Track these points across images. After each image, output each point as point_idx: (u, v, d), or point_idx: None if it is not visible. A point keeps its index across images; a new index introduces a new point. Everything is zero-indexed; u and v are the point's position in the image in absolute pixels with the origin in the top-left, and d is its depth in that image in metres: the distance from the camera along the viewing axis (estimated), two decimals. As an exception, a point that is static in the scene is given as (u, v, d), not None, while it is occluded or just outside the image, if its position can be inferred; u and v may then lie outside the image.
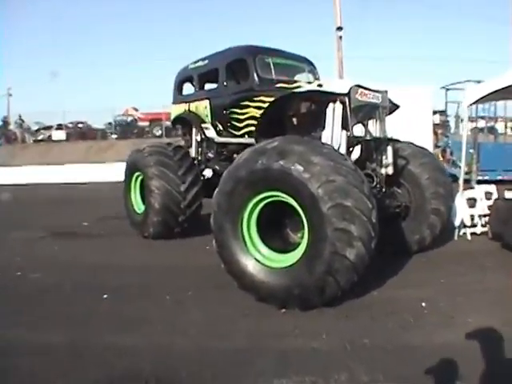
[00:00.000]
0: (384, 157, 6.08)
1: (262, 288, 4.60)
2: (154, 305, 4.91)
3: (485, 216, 7.87)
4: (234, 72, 7.49)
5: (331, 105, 5.58)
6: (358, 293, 4.79)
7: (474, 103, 7.55)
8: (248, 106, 6.70)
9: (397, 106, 6.56)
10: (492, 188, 8.22)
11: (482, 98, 7.04)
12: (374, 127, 6.10)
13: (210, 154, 8.38)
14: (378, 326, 4.28)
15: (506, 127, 19.42)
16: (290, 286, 4.40)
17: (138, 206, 8.49)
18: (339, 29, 18.80)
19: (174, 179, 7.59)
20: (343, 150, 5.47)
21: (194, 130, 8.51)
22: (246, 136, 6.89)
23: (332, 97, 5.54)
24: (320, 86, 5.68)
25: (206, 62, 7.93)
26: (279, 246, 4.87)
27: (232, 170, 4.70)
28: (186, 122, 8.79)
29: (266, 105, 6.30)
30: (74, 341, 4.05)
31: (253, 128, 6.68)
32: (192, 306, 4.86)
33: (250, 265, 4.69)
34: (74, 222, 10.04)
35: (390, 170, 6.08)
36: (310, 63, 7.79)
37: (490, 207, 7.82)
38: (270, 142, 4.55)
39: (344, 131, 5.52)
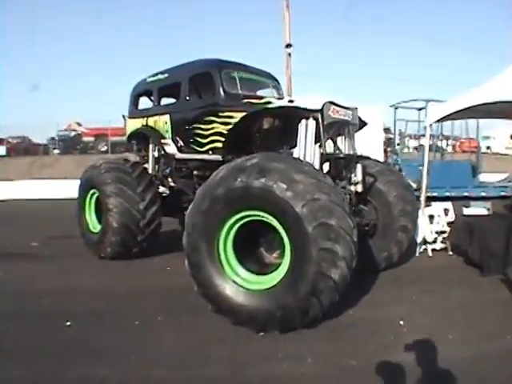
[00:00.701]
0: (353, 174, 6.06)
1: (240, 312, 4.38)
2: (122, 332, 4.55)
3: (442, 232, 8.05)
4: (197, 86, 7.26)
5: (304, 121, 5.49)
6: (334, 313, 4.65)
7: (437, 121, 7.76)
8: (213, 122, 6.47)
9: (364, 123, 6.58)
10: (449, 205, 8.43)
11: (445, 116, 7.22)
12: (342, 144, 6.06)
13: (168, 171, 8.07)
14: (361, 347, 4.18)
15: (447, 145, 20.30)
16: (271, 309, 4.22)
17: (94, 225, 8.00)
18: (288, 46, 18.84)
19: (132, 197, 7.20)
20: (317, 167, 5.38)
21: (150, 145, 8.19)
22: (210, 152, 6.64)
23: (305, 113, 5.44)
24: (291, 101, 5.59)
25: (167, 75, 7.63)
26: (256, 267, 4.67)
27: (208, 188, 4.46)
28: (142, 138, 8.43)
29: (233, 120, 6.11)
30: (38, 375, 3.66)
31: (218, 144, 6.45)
32: (164, 332, 4.54)
33: (227, 287, 4.46)
34: (22, 242, 9.29)
35: (360, 188, 6.06)
36: (274, 79, 7.69)
37: (449, 224, 8.02)
38: (248, 159, 4.37)
39: (317, 148, 5.43)
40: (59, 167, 19.39)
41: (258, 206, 4.26)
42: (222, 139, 6.33)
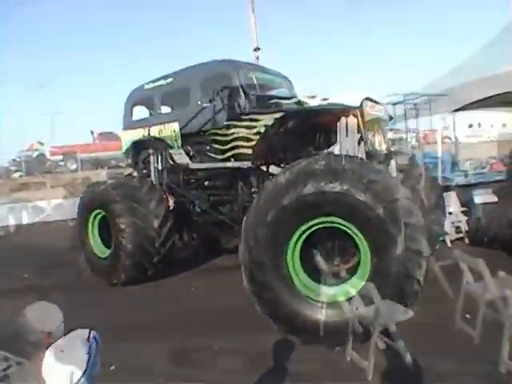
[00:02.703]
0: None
1: (317, 328, 4.02)
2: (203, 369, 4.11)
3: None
4: (211, 90, 6.80)
5: (343, 119, 5.19)
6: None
7: (456, 110, 7.70)
8: (234, 126, 6.04)
9: (391, 118, 6.39)
10: (453, 195, 8.40)
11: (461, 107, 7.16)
12: (374, 140, 5.81)
13: (173, 183, 7.53)
14: (456, 347, 3.97)
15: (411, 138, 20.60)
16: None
17: (100, 249, 7.33)
18: (257, 49, 18.62)
19: (146, 214, 6.66)
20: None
21: (152, 157, 7.65)
22: (233, 160, 6.21)
23: (345, 111, 5.15)
24: (325, 99, 5.29)
25: (171, 80, 7.10)
26: (324, 279, 4.34)
27: (271, 195, 4.09)
28: (139, 150, 7.90)
29: (259, 123, 5.72)
30: None
31: (242, 150, 6.00)
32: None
33: (300, 304, 4.10)
34: (11, 274, 8.22)
35: (395, 184, 5.85)
36: (287, 79, 7.37)
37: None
38: (313, 161, 4.05)
39: (362, 145, 5.16)
40: (28, 190, 18.18)
41: (332, 212, 3.95)
42: (247, 144, 5.90)
